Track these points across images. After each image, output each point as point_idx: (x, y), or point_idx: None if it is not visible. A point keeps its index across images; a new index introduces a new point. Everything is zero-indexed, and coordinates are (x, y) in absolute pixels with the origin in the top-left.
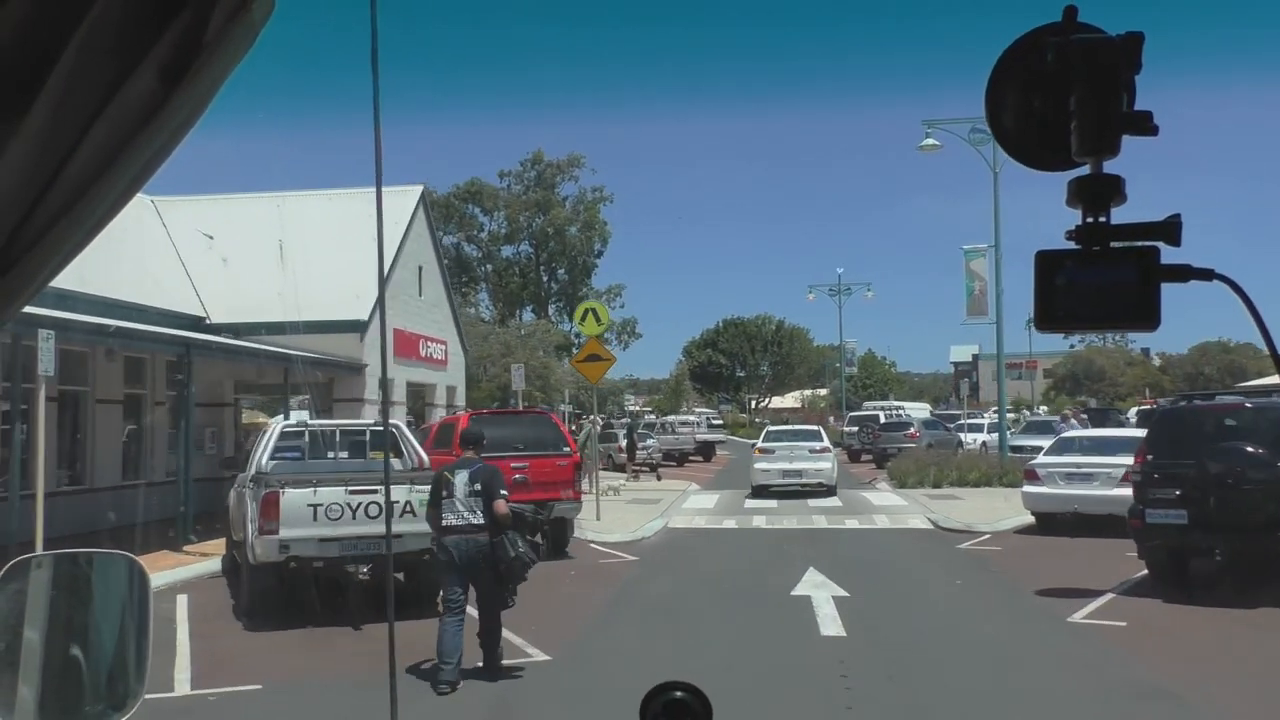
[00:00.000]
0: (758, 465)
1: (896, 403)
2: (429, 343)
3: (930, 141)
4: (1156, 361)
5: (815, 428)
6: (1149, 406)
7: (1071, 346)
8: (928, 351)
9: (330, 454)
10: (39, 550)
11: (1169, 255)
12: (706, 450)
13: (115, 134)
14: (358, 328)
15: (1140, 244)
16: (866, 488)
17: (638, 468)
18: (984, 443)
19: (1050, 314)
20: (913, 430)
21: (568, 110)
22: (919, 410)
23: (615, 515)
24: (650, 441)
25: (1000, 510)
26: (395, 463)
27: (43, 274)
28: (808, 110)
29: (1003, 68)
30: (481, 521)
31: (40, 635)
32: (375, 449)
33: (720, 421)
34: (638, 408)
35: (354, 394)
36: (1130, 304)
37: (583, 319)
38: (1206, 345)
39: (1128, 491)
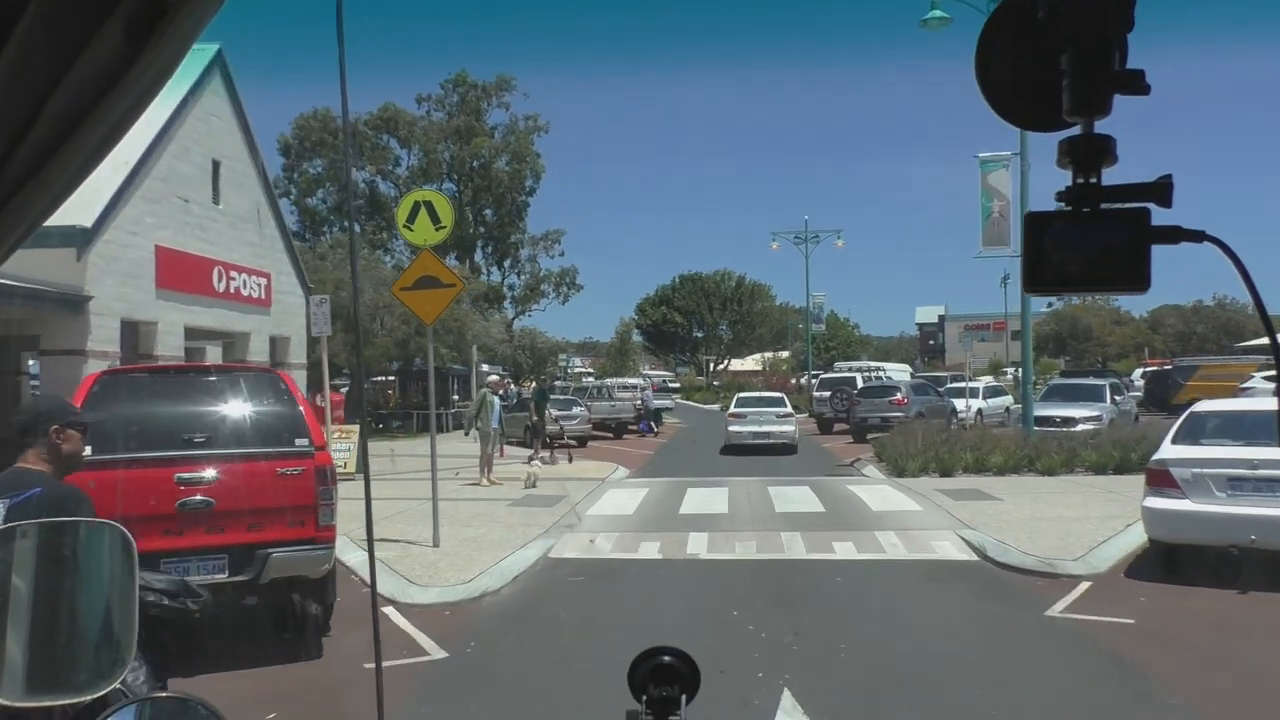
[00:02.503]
0: (732, 428)
1: (874, 363)
2: (235, 274)
3: (938, 14)
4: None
5: (779, 395)
6: (1156, 368)
7: (1050, 305)
8: (891, 314)
9: None
10: None
11: (1160, 216)
12: (652, 419)
13: (82, 95)
14: (74, 239)
15: (1131, 205)
16: (849, 473)
17: (557, 446)
18: (979, 410)
19: (1039, 276)
20: (899, 396)
21: (498, 24)
22: (900, 371)
23: (470, 535)
24: (576, 410)
25: (1067, 520)
26: None
27: (11, 238)
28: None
29: (993, 25)
30: None
31: (27, 604)
32: None
33: (677, 385)
34: (582, 369)
35: (71, 343)
36: (1121, 266)
37: (409, 219)
38: (1199, 305)
39: None
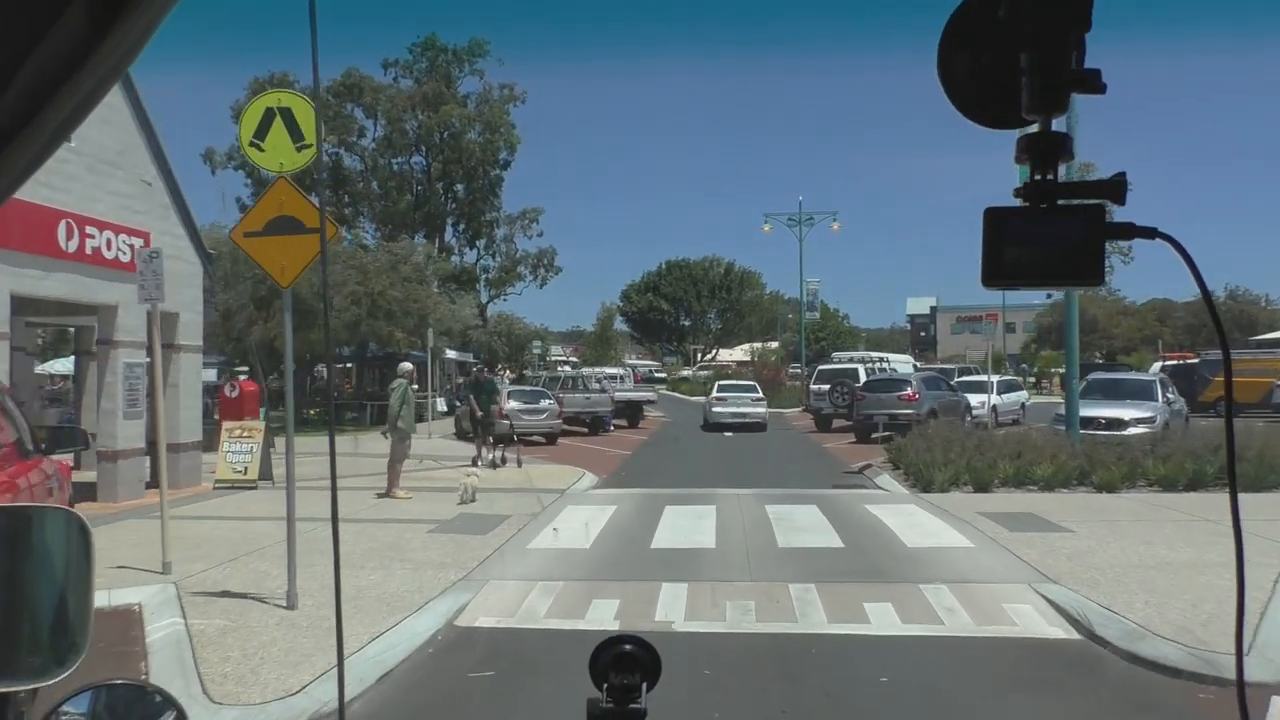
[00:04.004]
0: (714, 409)
1: (876, 353)
2: (93, 230)
3: None
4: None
5: (752, 383)
6: (1177, 362)
7: (1049, 296)
8: (881, 306)
9: None
10: None
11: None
12: (632, 412)
13: (42, 78)
14: None
15: (1086, 201)
16: (860, 483)
17: (507, 447)
18: (994, 407)
19: (998, 270)
20: (910, 391)
21: None
22: (902, 363)
23: (354, 585)
24: (544, 404)
25: (1178, 568)
26: None
27: None
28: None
29: (955, 23)
30: None
31: None
32: None
33: (664, 375)
34: (563, 358)
35: None
36: (1076, 260)
37: (258, 134)
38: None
39: None
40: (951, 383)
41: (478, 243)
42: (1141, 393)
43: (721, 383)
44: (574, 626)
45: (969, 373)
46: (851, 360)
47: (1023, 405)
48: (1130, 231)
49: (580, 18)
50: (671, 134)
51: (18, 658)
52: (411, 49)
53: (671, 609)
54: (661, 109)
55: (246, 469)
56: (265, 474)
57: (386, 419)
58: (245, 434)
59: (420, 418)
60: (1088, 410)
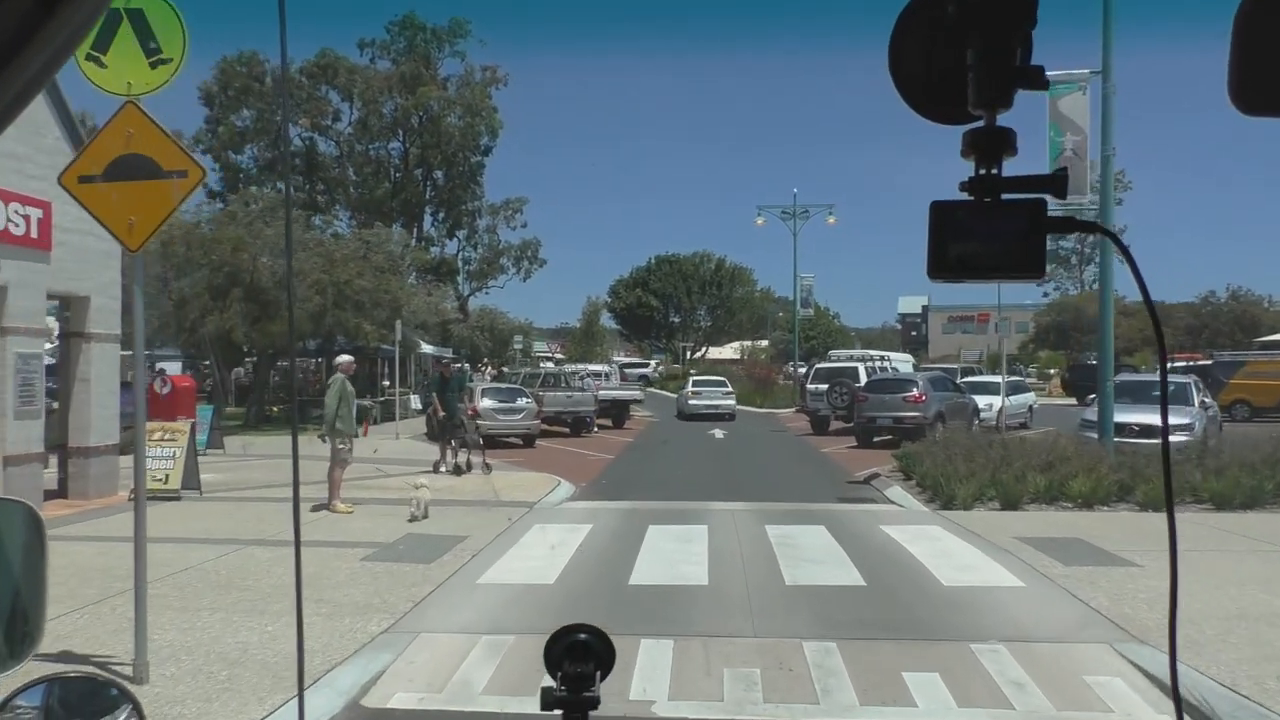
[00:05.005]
0: (690, 401)
1: (875, 351)
2: None
3: None
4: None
5: (722, 378)
6: (1187, 363)
7: (1045, 295)
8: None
9: None
10: None
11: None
12: (617, 412)
13: None
14: None
15: (1029, 196)
16: (869, 495)
17: (472, 451)
18: (1000, 410)
19: (943, 263)
20: (915, 392)
21: None
22: (902, 362)
23: (238, 642)
24: (521, 403)
25: (1253, 620)
26: None
27: None
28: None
29: (906, 18)
30: None
31: None
32: None
33: (653, 373)
34: (548, 354)
35: None
36: (1019, 254)
37: (99, 45)
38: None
39: None
40: (959, 383)
41: (458, 233)
42: (1175, 397)
43: (695, 378)
44: (520, 709)
45: (971, 373)
46: (851, 359)
47: (1030, 408)
48: (1072, 226)
49: (568, 1)
50: (663, 127)
51: None
52: (389, 28)
53: (652, 679)
54: (653, 100)
55: (167, 477)
56: (190, 483)
57: (324, 420)
58: (168, 437)
59: (390, 417)
60: (1118, 415)
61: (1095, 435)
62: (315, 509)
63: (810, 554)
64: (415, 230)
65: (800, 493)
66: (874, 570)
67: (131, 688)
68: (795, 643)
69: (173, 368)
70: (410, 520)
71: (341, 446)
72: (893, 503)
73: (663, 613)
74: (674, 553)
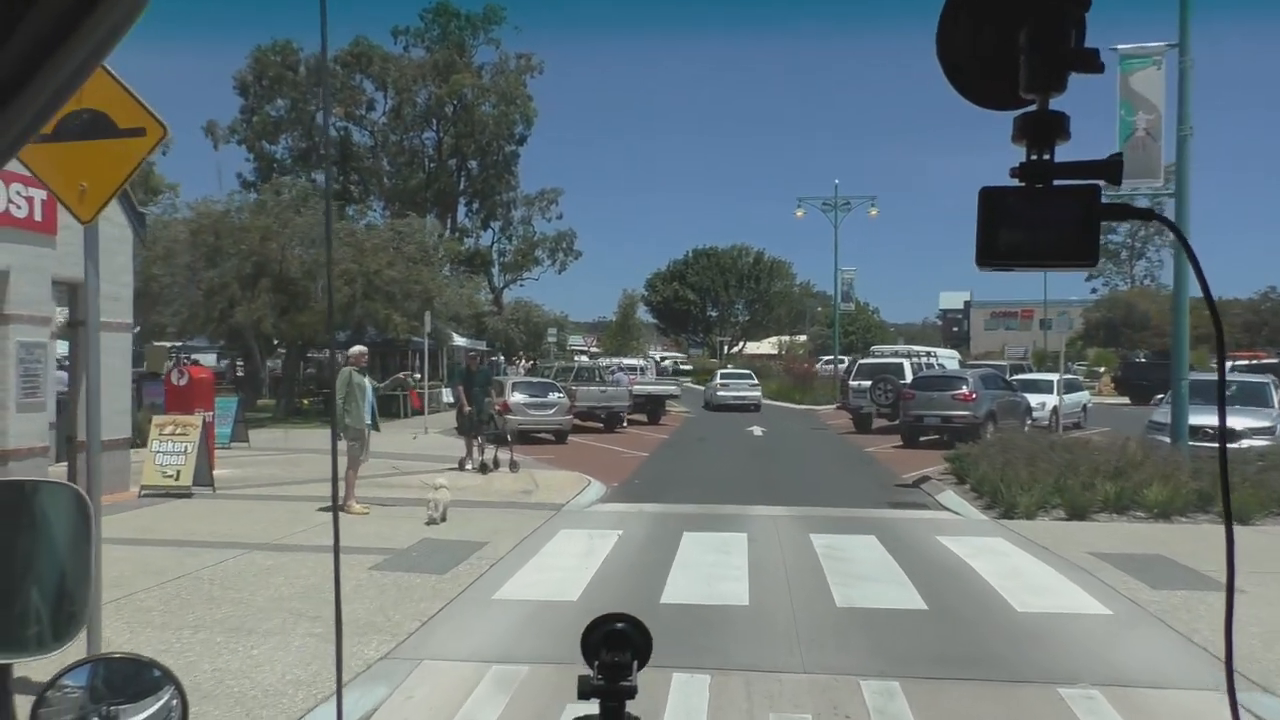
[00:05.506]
0: (718, 393)
1: (922, 347)
2: None
3: None
4: None
5: (748, 371)
6: (1249, 361)
7: (1094, 291)
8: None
9: None
10: None
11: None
12: (652, 407)
13: (37, 43)
14: None
15: (1082, 182)
16: (919, 500)
17: (498, 448)
18: (1054, 409)
19: (992, 250)
20: (966, 390)
21: None
22: (948, 358)
23: (213, 670)
24: (553, 398)
25: None
26: None
27: None
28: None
29: (954, 2)
30: None
31: None
32: None
33: (689, 367)
34: (583, 348)
35: None
36: (1071, 241)
37: None
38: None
39: None
40: (1010, 380)
41: (492, 224)
42: (1253, 397)
43: (723, 372)
44: None
45: (1021, 370)
46: (895, 354)
47: (1084, 407)
48: (1127, 212)
49: None
50: (700, 117)
51: (19, 630)
52: (423, 15)
53: None
54: (693, 90)
55: (179, 473)
56: (202, 479)
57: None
58: (179, 431)
59: (420, 411)
60: (1193, 418)
61: (1166, 439)
62: (321, 510)
63: (862, 569)
64: (449, 221)
65: (846, 496)
66: (935, 590)
67: None
68: (851, 681)
69: (207, 360)
70: (428, 523)
71: (353, 443)
72: (947, 509)
73: (698, 639)
74: (711, 566)
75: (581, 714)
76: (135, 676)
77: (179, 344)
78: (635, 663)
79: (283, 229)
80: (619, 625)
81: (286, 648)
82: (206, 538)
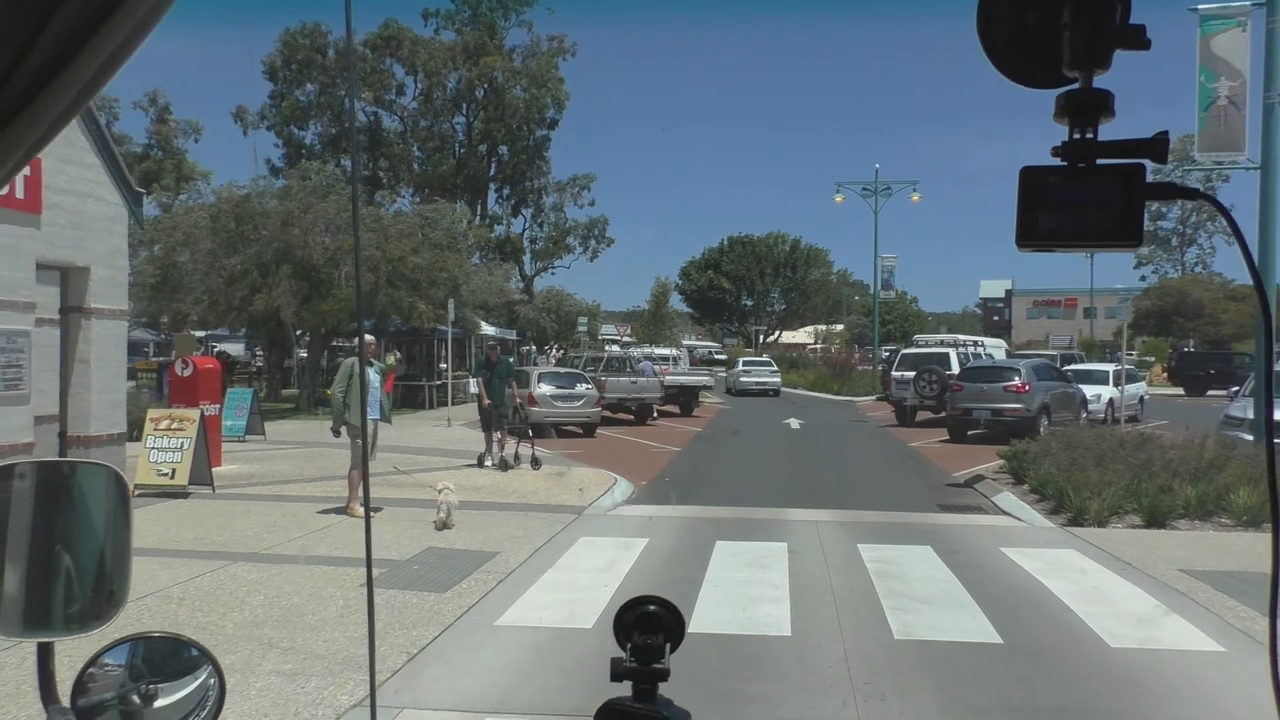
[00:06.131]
0: (741, 379)
1: (968, 336)
2: None
3: None
4: None
5: (768, 359)
6: None
7: (1143, 279)
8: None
9: None
10: None
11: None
12: (685, 398)
13: (83, 19)
14: None
15: (1126, 161)
16: (974, 501)
17: (519, 442)
18: (1110, 401)
19: (1033, 230)
20: (1018, 381)
21: None
22: (995, 348)
23: None
24: (581, 389)
25: None
26: None
27: (5, 167)
28: None
29: None
30: None
31: (24, 541)
32: None
33: (723, 357)
34: (615, 337)
35: None
36: (1114, 221)
37: None
38: None
39: None
40: (1066, 371)
41: (523, 210)
42: None
43: (745, 359)
44: None
45: (1072, 360)
46: (941, 344)
47: (1141, 399)
48: (1173, 192)
49: None
50: (738, 104)
51: (59, 609)
52: None
53: None
54: (728, 75)
55: (174, 471)
56: (200, 477)
57: (331, 411)
58: (175, 426)
59: (443, 402)
60: (1278, 413)
61: (1245, 434)
62: (329, 511)
63: (920, 588)
64: (480, 208)
65: (893, 498)
66: (1009, 618)
67: None
68: None
69: (234, 349)
70: (437, 529)
71: (355, 441)
72: (1006, 513)
73: (732, 682)
74: (746, 584)
75: (614, 696)
76: (174, 655)
77: (206, 333)
78: (668, 645)
79: (304, 214)
80: (651, 608)
81: (244, 692)
82: (190, 546)
